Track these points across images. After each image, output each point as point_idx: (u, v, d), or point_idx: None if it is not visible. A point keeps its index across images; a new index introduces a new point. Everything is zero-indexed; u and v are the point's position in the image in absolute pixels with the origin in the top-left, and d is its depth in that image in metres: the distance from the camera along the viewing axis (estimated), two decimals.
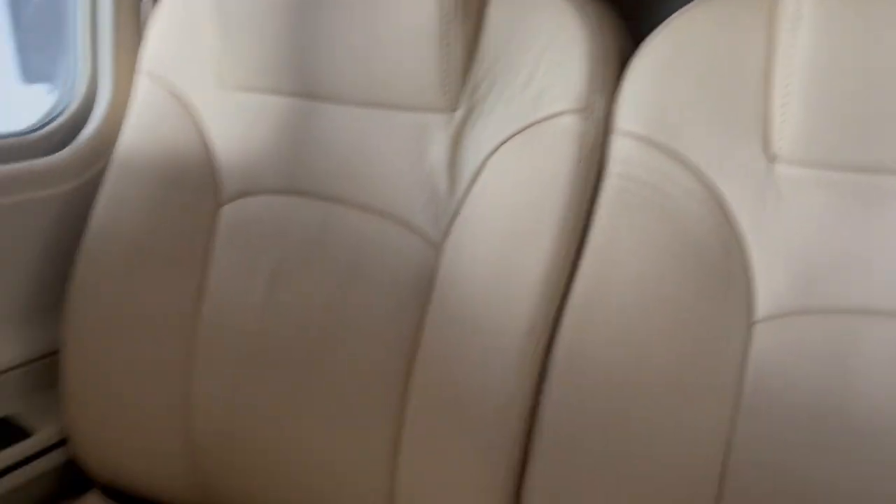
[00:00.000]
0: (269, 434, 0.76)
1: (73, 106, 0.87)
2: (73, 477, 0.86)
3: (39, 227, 0.84)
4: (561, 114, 0.68)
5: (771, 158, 0.63)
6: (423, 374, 0.69)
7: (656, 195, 0.64)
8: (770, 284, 0.62)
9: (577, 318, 0.65)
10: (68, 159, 0.85)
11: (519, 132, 0.69)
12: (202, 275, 0.80)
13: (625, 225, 0.64)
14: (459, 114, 0.72)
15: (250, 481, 0.79)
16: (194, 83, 0.83)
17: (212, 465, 0.80)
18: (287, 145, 0.79)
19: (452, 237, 0.70)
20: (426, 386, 0.69)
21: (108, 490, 0.85)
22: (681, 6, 0.68)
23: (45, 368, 0.86)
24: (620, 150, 0.67)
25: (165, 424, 0.80)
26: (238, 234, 0.80)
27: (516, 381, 0.65)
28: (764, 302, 0.62)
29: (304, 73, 0.77)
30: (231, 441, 0.78)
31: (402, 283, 0.72)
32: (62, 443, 0.86)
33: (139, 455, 0.83)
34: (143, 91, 0.85)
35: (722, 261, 0.63)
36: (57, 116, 0.87)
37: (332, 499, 0.75)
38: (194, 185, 0.81)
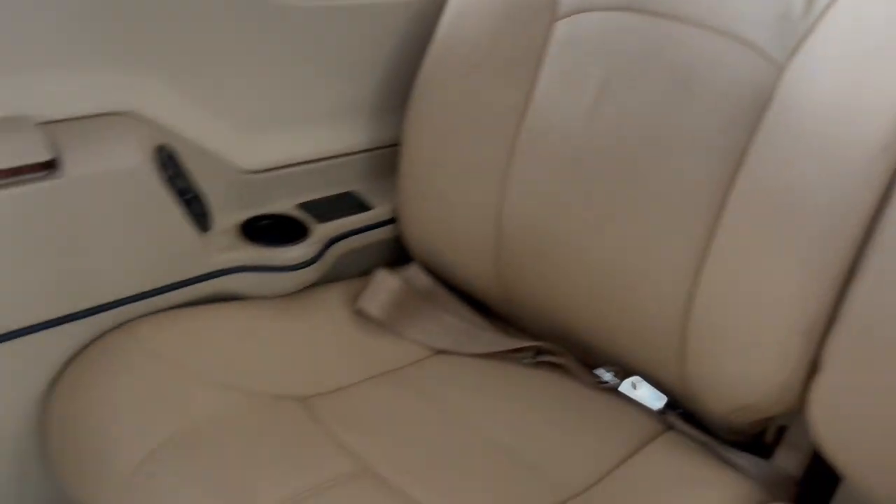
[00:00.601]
0: (573, 238, 0.83)
1: None
2: (401, 250, 1.00)
3: (394, 28, 0.95)
4: None
5: None
6: (747, 188, 0.71)
7: None
8: None
9: None
10: None
11: None
12: (531, 85, 0.86)
13: None
14: None
15: (549, 281, 0.87)
16: None
17: (516, 263, 0.89)
18: None
19: (800, 56, 0.69)
20: (748, 200, 0.71)
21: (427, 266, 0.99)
22: None
23: (387, 156, 1.00)
24: None
25: (479, 220, 0.90)
26: (569, 49, 0.85)
27: (856, 199, 0.65)
28: None
29: None
30: (537, 242, 0.86)
31: (734, 101, 0.73)
32: (393, 220, 1.00)
33: (453, 243, 0.94)
34: None
35: None
36: None
37: (627, 303, 0.80)
38: None
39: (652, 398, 0.84)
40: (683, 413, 0.83)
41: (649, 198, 0.77)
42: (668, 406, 0.83)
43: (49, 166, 0.71)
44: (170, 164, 0.81)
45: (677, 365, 0.78)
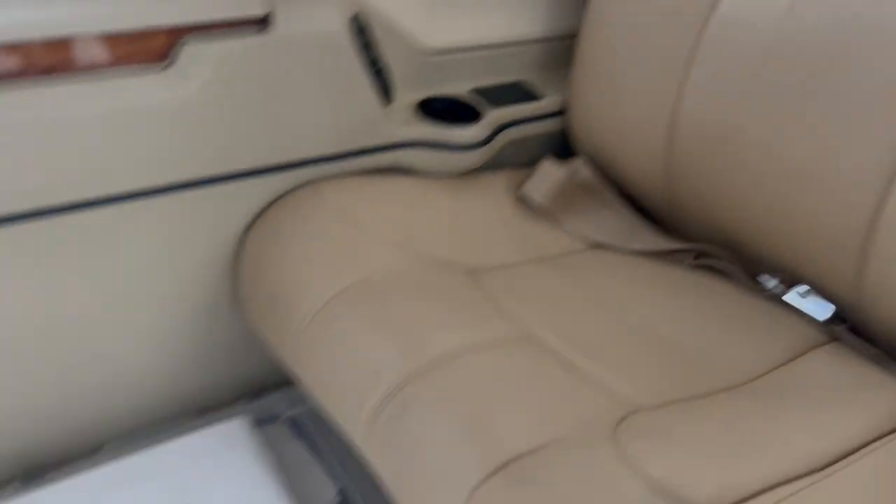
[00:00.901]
0: (756, 136, 0.80)
1: None
2: (565, 143, 1.01)
3: None
4: None
5: None
6: None
7: None
8: None
9: None
10: None
11: None
12: None
13: None
14: None
15: (722, 181, 0.85)
16: None
17: (687, 161, 0.87)
18: None
19: None
20: None
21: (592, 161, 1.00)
22: None
23: (559, 48, 1.00)
24: None
25: (653, 114, 0.89)
26: None
27: None
28: None
29: None
30: (714, 139, 0.84)
31: None
32: (560, 113, 1.01)
33: (622, 137, 0.94)
34: None
35: None
36: None
37: (809, 207, 0.78)
38: None
39: (817, 309, 0.83)
40: (850, 327, 0.81)
41: (848, 98, 0.74)
42: (835, 317, 0.81)
43: (262, 22, 0.76)
44: (362, 34, 0.84)
45: (854, 274, 0.75)
